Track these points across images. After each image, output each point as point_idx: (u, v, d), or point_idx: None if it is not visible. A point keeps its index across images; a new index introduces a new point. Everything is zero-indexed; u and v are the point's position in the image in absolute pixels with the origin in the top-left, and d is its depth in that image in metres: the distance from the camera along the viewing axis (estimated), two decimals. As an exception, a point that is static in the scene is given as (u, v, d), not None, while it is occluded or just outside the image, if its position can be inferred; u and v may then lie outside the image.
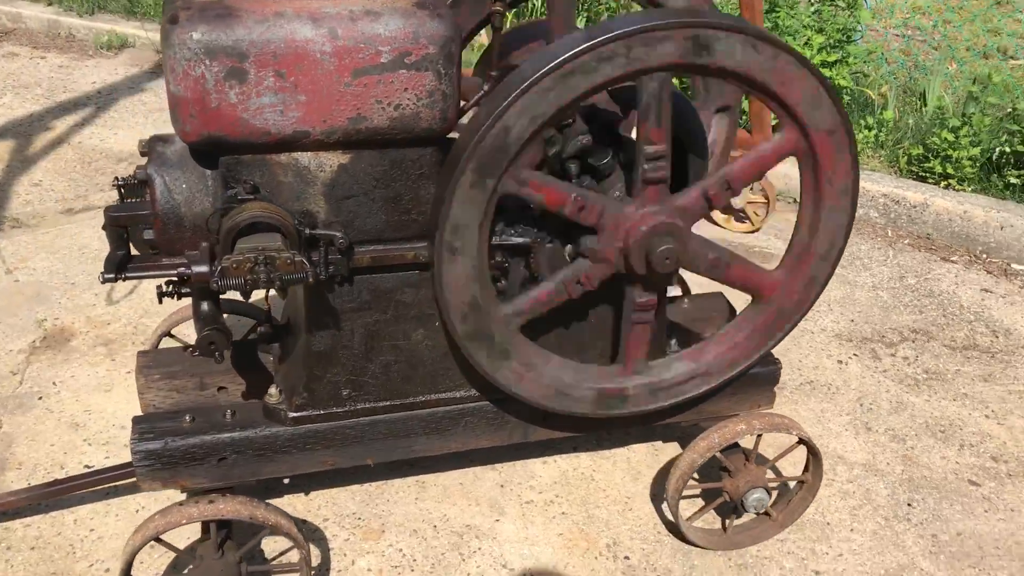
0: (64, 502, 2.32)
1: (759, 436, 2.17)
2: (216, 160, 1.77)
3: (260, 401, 2.08)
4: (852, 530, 2.38)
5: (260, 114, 1.67)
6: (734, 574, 2.24)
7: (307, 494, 2.40)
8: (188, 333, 2.67)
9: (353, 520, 2.33)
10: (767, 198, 3.63)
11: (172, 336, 2.49)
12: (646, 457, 2.58)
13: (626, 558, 2.27)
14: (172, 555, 2.12)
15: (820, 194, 1.91)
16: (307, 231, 1.77)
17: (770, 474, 2.24)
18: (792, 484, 2.30)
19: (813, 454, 2.20)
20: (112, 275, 1.75)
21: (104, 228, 1.80)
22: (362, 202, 1.84)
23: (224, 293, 1.73)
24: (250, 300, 1.97)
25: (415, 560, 2.22)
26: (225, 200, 1.75)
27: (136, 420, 2.01)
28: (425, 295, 1.98)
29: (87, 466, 2.44)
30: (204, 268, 1.74)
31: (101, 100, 4.74)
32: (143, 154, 1.84)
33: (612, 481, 2.49)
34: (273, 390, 2.04)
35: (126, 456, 2.44)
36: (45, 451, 2.49)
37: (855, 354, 3.06)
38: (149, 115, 4.60)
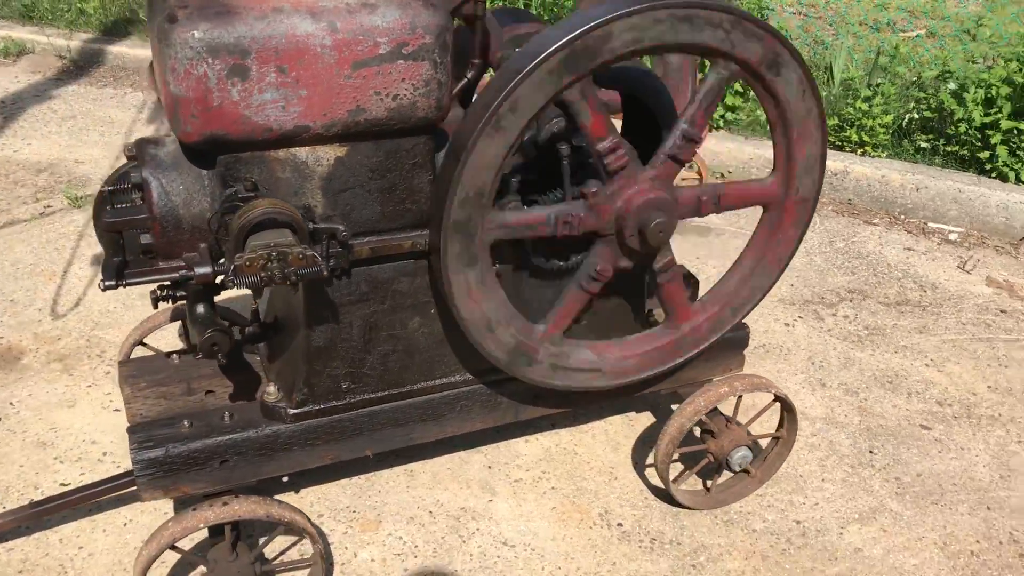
0: (46, 522, 2.25)
1: (740, 397, 2.28)
2: (212, 159, 1.75)
3: (257, 401, 2.08)
4: (823, 480, 2.52)
5: (262, 110, 1.67)
6: (722, 530, 2.35)
7: (297, 491, 2.40)
8: (164, 341, 2.63)
9: (348, 513, 2.34)
10: (700, 174, 3.76)
11: (144, 345, 2.44)
12: (623, 428, 2.66)
13: (619, 525, 2.35)
14: (173, 561, 2.10)
15: (778, 102, 1.96)
16: (310, 225, 1.78)
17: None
18: (768, 441, 2.42)
19: (788, 410, 2.32)
20: (112, 282, 1.72)
21: (98, 234, 1.76)
22: (358, 194, 1.85)
23: (228, 289, 1.72)
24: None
25: (416, 546, 2.25)
26: (225, 199, 1.74)
27: (132, 430, 1.98)
28: (421, 283, 2.01)
29: (62, 484, 2.37)
30: (207, 269, 1.73)
31: (7, 110, 4.54)
32: (129, 158, 1.81)
33: (594, 453, 2.56)
34: (272, 388, 2.03)
35: (102, 471, 2.40)
36: (15, 473, 2.41)
37: (800, 316, 3.22)
38: (62, 123, 4.43)
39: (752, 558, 2.27)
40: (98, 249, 3.39)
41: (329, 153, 1.79)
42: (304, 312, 1.93)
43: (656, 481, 2.47)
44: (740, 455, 2.28)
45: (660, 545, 2.29)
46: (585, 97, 1.76)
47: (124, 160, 3.57)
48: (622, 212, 1.90)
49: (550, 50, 1.66)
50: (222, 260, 1.75)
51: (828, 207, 3.97)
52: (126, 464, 2.40)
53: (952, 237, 3.77)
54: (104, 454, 2.48)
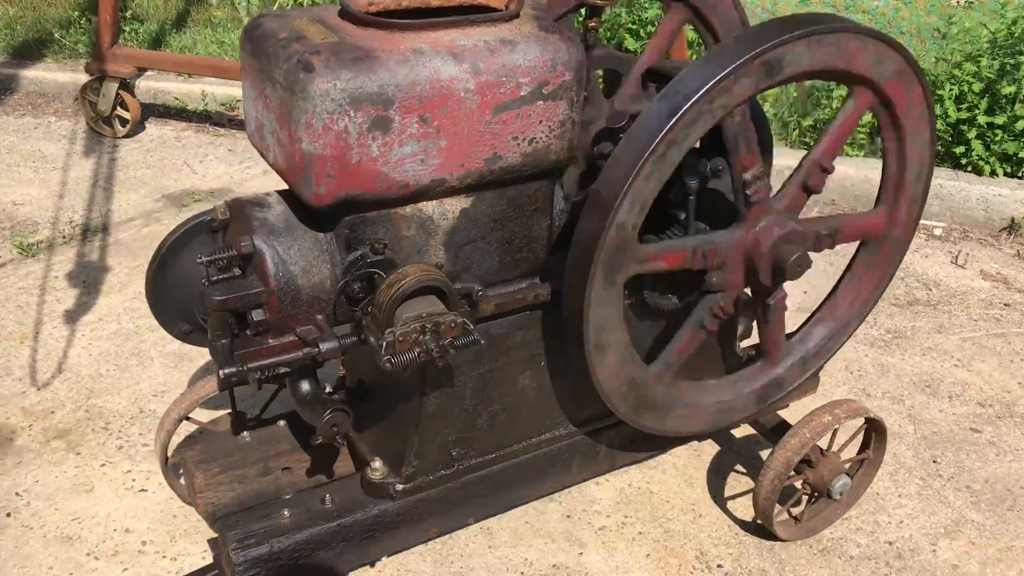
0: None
1: (872, 428, 2.22)
2: (332, 220, 1.55)
3: (354, 478, 1.88)
4: (900, 496, 2.49)
5: (400, 165, 1.48)
6: (821, 560, 2.28)
7: (372, 565, 2.18)
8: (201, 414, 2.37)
9: (436, 584, 2.15)
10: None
11: (190, 419, 2.18)
12: (691, 459, 2.56)
13: (719, 566, 2.25)
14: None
15: (901, 129, 1.93)
16: (451, 287, 1.60)
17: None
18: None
19: (878, 431, 2.27)
20: (234, 369, 1.50)
21: (206, 316, 1.53)
22: (479, 246, 1.69)
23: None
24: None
25: (520, 614, 2.09)
26: (352, 264, 1.55)
27: (226, 526, 1.76)
28: (534, 336, 1.85)
29: (106, 584, 2.10)
30: (333, 344, 1.54)
31: (-83, 150, 4.07)
32: (222, 223, 1.59)
33: (670, 490, 2.45)
34: (377, 464, 1.84)
35: (148, 565, 2.14)
36: (45, 576, 2.12)
37: (822, 324, 3.19)
38: (-13, 162, 4.01)
39: (859, 588, 2.21)
40: (69, 302, 3.07)
41: (455, 206, 1.62)
42: (421, 378, 1.75)
43: (740, 514, 2.39)
44: (841, 483, 2.22)
45: (767, 583, 2.21)
46: (746, 120, 1.65)
47: (66, 198, 3.24)
48: (758, 245, 1.80)
49: (727, 71, 1.53)
50: (340, 329, 1.55)
51: (813, 210, 3.98)
52: (173, 553, 2.16)
53: (937, 232, 3.84)
54: (144, 543, 2.21)
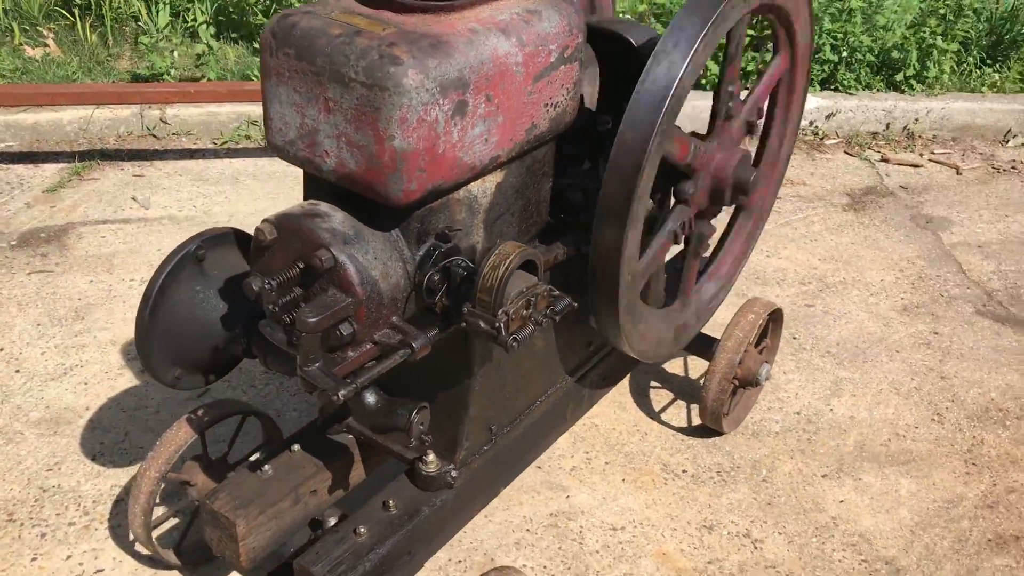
0: None
1: (775, 316, 2.50)
2: (393, 218, 1.52)
3: (398, 479, 1.84)
4: (784, 373, 2.86)
5: (471, 148, 1.49)
6: (756, 443, 2.57)
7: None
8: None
9: (456, 565, 2.16)
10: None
11: (178, 476, 1.97)
12: (614, 390, 2.74)
13: (684, 471, 2.47)
14: None
15: (791, 108, 2.23)
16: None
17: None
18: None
19: (776, 320, 2.59)
20: (348, 388, 1.43)
21: (297, 339, 1.43)
22: (505, 218, 1.72)
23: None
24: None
25: (547, 567, 2.17)
26: (427, 257, 1.53)
27: (308, 562, 1.67)
28: (543, 296, 1.91)
29: None
30: (424, 340, 1.52)
31: None
32: (271, 238, 1.49)
33: (611, 420, 2.62)
34: (431, 456, 1.81)
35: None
36: None
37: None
38: None
39: (795, 455, 2.54)
40: None
41: (492, 182, 1.64)
42: (471, 358, 1.75)
43: (676, 423, 2.62)
44: (765, 371, 2.51)
45: (727, 474, 2.46)
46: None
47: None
48: (719, 172, 1.98)
49: None
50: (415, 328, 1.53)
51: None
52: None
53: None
54: (133, 624, 1.99)
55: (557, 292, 1.55)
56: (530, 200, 1.75)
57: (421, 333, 1.52)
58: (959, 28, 4.48)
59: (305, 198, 1.62)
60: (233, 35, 4.44)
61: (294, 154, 1.48)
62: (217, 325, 1.71)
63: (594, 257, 1.74)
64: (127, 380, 2.63)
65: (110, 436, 2.44)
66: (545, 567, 2.16)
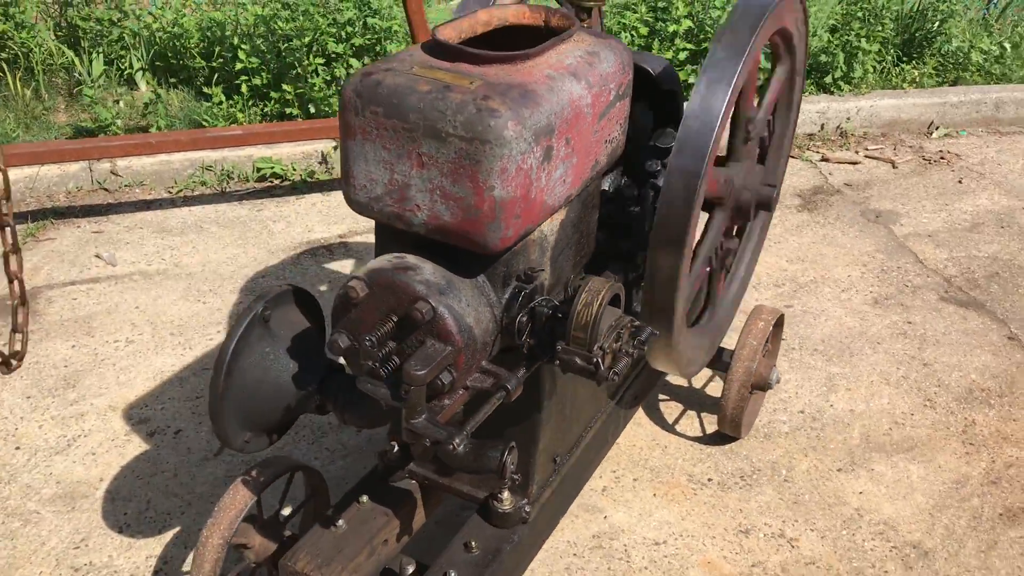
0: None
1: (780, 321, 2.60)
2: (479, 264, 1.54)
3: (478, 519, 1.85)
4: (781, 373, 2.96)
5: (553, 190, 1.52)
6: (771, 444, 2.67)
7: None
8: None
9: (513, 597, 2.17)
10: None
11: (243, 547, 1.93)
12: (624, 405, 2.80)
13: (709, 480, 2.54)
14: None
15: (792, 102, 2.32)
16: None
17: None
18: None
19: (778, 324, 2.70)
20: (460, 437, 1.44)
21: (406, 393, 1.43)
22: (566, 253, 1.76)
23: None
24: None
25: (600, 588, 2.20)
26: (509, 299, 1.56)
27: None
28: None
29: None
30: (515, 382, 1.55)
31: None
32: (359, 294, 1.49)
33: (629, 437, 2.67)
34: (506, 494, 1.83)
35: None
36: None
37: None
38: None
39: (808, 453, 2.64)
40: None
41: (556, 220, 1.68)
42: (540, 394, 1.78)
43: (691, 433, 2.69)
44: (775, 374, 2.61)
45: (750, 477, 2.54)
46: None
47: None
48: (744, 193, 2.06)
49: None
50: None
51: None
52: None
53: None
54: None
55: (638, 323, 1.59)
56: (583, 233, 1.79)
57: (512, 375, 1.54)
58: (878, 30, 4.72)
59: (378, 253, 1.62)
60: (172, 80, 4.34)
61: (380, 210, 1.48)
62: (289, 385, 1.69)
63: (651, 285, 1.79)
64: (136, 446, 2.55)
65: (132, 506, 2.37)
66: (600, 589, 2.20)
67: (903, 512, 2.46)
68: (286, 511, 2.01)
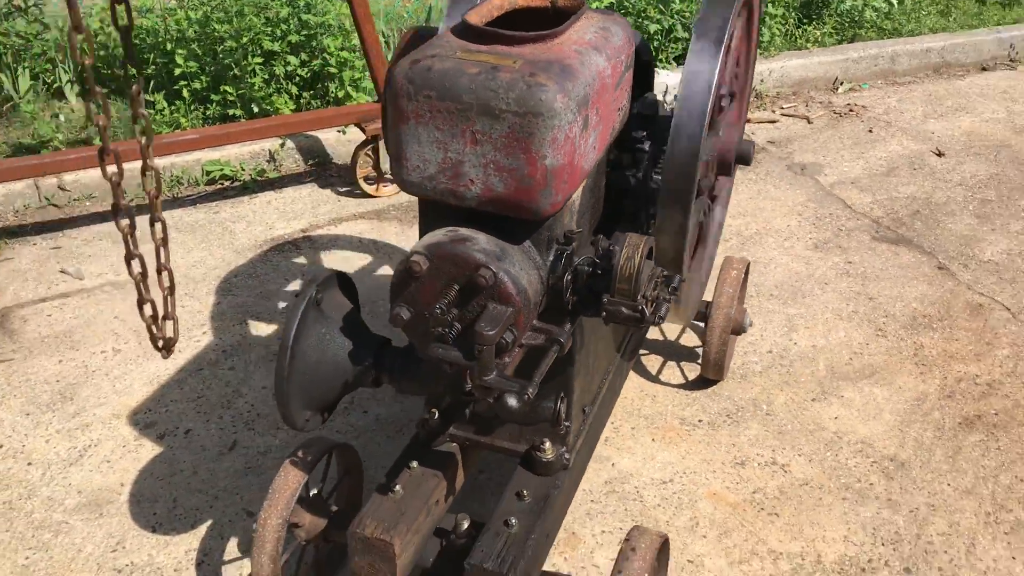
0: None
1: (747, 269, 2.80)
2: (524, 230, 1.68)
3: (523, 470, 1.99)
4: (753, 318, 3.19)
5: (587, 157, 1.67)
6: (748, 383, 2.88)
7: (482, 564, 2.29)
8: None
9: (544, 546, 2.33)
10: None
11: (297, 527, 2.02)
12: (609, 362, 2.97)
13: (700, 421, 2.74)
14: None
15: (751, 42, 2.50)
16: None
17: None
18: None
19: (747, 273, 2.91)
20: (529, 389, 1.58)
21: (479, 353, 1.56)
22: (585, 216, 1.92)
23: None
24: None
25: (622, 529, 2.37)
26: (553, 261, 1.70)
27: (477, 564, 1.79)
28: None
29: None
30: (566, 336, 1.70)
31: None
32: (423, 267, 1.61)
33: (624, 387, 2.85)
34: (547, 444, 1.98)
35: None
36: None
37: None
38: None
39: (783, 388, 2.87)
40: None
41: (582, 186, 1.82)
42: (573, 347, 1.92)
43: (675, 381, 2.89)
44: (748, 318, 2.82)
45: (736, 415, 2.75)
46: None
47: None
48: (726, 152, 2.24)
49: None
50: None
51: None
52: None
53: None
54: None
55: (666, 272, 1.75)
56: (597, 197, 1.94)
57: (562, 330, 1.69)
58: (783, -6, 5.01)
59: (424, 230, 1.73)
60: (104, 90, 4.29)
61: (434, 187, 1.60)
62: (346, 362, 1.79)
63: (662, 236, 1.96)
64: (149, 450, 2.60)
65: (159, 506, 2.42)
66: (620, 528, 2.37)
67: (876, 430, 2.70)
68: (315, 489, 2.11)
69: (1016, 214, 3.92)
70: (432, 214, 1.71)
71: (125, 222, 1.65)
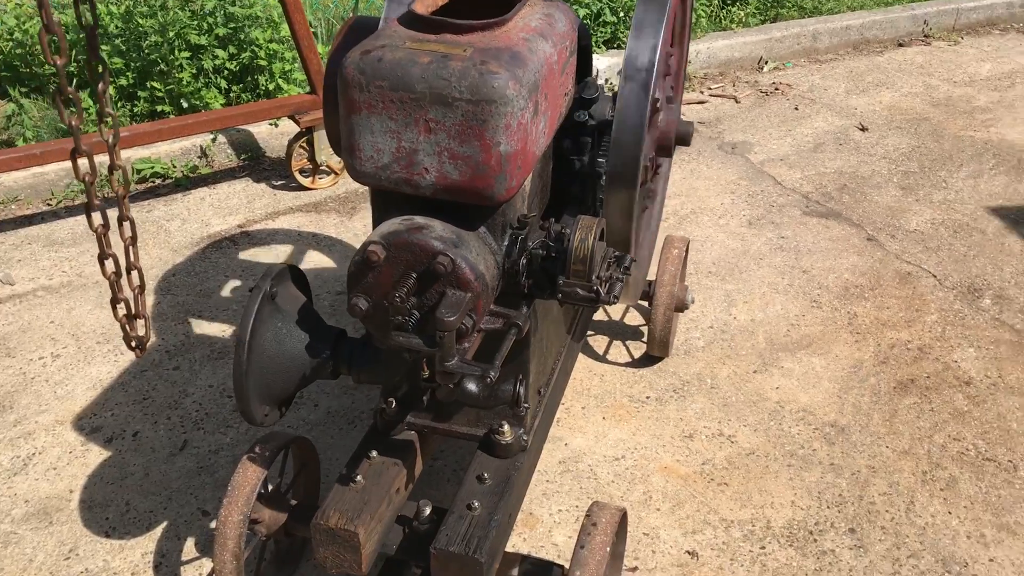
0: None
1: (687, 248, 2.87)
2: (478, 216, 1.70)
3: (483, 454, 2.02)
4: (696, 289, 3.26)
5: (537, 142, 1.69)
6: (691, 360, 2.96)
7: (443, 549, 2.31)
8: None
9: (503, 528, 2.36)
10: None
11: (256, 524, 2.00)
12: (556, 344, 3.01)
13: (648, 398, 2.80)
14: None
15: (686, 21, 2.56)
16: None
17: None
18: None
19: (687, 251, 2.98)
20: (492, 371, 1.61)
21: (440, 339, 1.57)
22: (534, 200, 1.95)
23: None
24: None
25: (578, 506, 2.42)
26: (508, 246, 1.72)
27: (441, 548, 1.81)
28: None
29: None
30: (523, 320, 1.73)
31: None
32: (380, 256, 1.62)
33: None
34: (505, 427, 2.00)
35: None
36: None
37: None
38: None
39: (725, 361, 2.95)
40: None
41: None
42: (530, 329, 1.95)
43: (622, 360, 2.94)
44: (690, 294, 2.88)
45: (682, 390, 2.82)
46: None
47: None
48: (666, 134, 2.29)
49: None
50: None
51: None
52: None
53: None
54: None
55: (617, 252, 1.79)
56: (544, 182, 1.97)
57: (519, 313, 1.71)
58: (705, -23, 5.09)
59: (377, 220, 1.74)
60: (23, 89, 4.17)
61: (388, 177, 1.61)
62: (303, 355, 1.79)
63: (612, 218, 2.00)
64: (97, 454, 2.55)
65: (111, 510, 2.38)
66: (577, 506, 2.41)
67: (816, 398, 2.80)
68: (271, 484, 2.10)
69: (938, 184, 4.07)
70: (386, 203, 1.72)
71: (98, 222, 1.62)
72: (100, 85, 1.53)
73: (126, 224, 1.68)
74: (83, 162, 1.55)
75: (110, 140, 1.59)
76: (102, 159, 3.78)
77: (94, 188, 1.57)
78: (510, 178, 1.58)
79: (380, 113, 1.55)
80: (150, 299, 3.19)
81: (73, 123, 1.51)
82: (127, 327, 1.76)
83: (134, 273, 1.74)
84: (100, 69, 1.53)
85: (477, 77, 1.50)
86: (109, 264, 1.65)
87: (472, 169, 1.56)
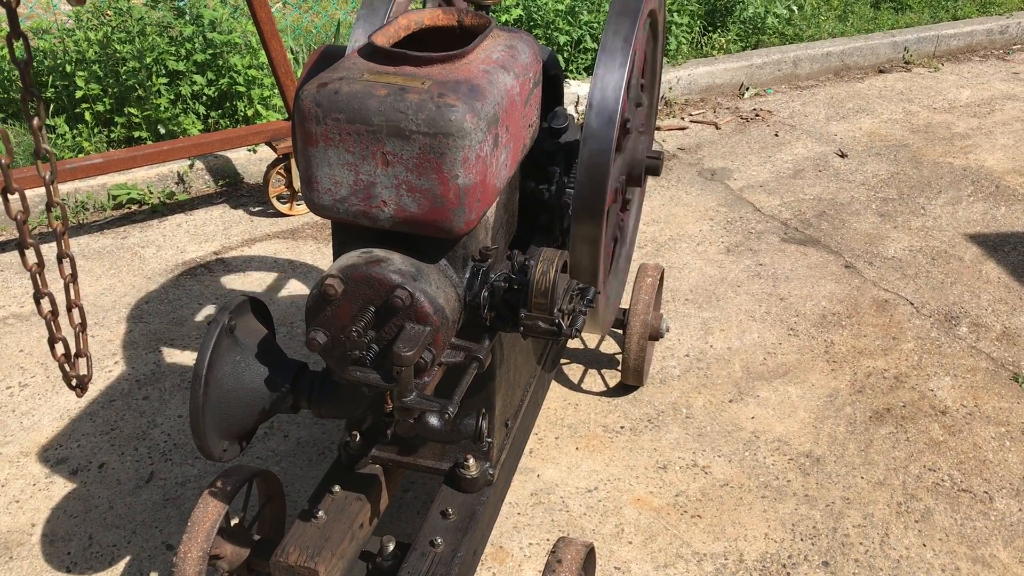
0: None
1: (662, 276, 2.85)
2: (437, 249, 1.68)
3: (448, 488, 1.99)
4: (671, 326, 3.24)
5: (499, 173, 1.68)
6: (666, 388, 2.93)
7: None
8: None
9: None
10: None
11: (217, 560, 1.97)
12: (531, 373, 2.99)
13: (622, 427, 2.77)
14: None
15: (658, 51, 2.55)
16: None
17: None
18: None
19: (662, 279, 2.96)
20: (451, 407, 1.58)
21: (397, 374, 1.55)
22: (499, 232, 1.93)
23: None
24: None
25: (549, 540, 2.39)
26: (469, 279, 1.71)
27: (404, 583, 1.79)
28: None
29: None
30: (485, 353, 1.71)
31: None
32: (337, 290, 1.60)
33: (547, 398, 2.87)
34: (471, 461, 1.98)
35: None
36: None
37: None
38: None
39: (701, 390, 2.93)
40: None
41: (495, 202, 1.83)
42: (493, 362, 1.93)
43: (596, 389, 2.92)
44: (664, 325, 2.87)
45: (656, 419, 2.80)
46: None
47: None
48: (636, 164, 2.28)
49: None
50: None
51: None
52: None
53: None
54: None
55: (582, 284, 1.77)
56: (511, 212, 1.96)
57: (481, 347, 1.69)
58: (686, 3, 5.11)
59: (337, 252, 1.72)
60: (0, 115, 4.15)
61: (346, 210, 1.59)
62: (262, 389, 1.77)
63: (577, 250, 1.98)
64: (61, 487, 2.51)
65: (74, 545, 2.34)
66: (548, 539, 2.38)
67: (791, 428, 2.78)
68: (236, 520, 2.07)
69: (916, 211, 4.08)
70: (345, 236, 1.70)
71: (33, 261, 1.59)
72: (36, 121, 1.50)
73: (66, 262, 1.65)
74: (15, 199, 1.52)
75: (47, 176, 1.56)
76: (77, 185, 3.76)
77: (27, 227, 1.55)
78: (469, 211, 1.56)
79: (337, 146, 1.54)
80: (121, 327, 3.16)
81: (2, 161, 1.48)
82: (66, 367, 1.73)
83: (75, 311, 1.71)
84: (35, 106, 1.51)
85: (434, 110, 1.48)
86: (45, 303, 1.62)
87: (430, 202, 1.54)
